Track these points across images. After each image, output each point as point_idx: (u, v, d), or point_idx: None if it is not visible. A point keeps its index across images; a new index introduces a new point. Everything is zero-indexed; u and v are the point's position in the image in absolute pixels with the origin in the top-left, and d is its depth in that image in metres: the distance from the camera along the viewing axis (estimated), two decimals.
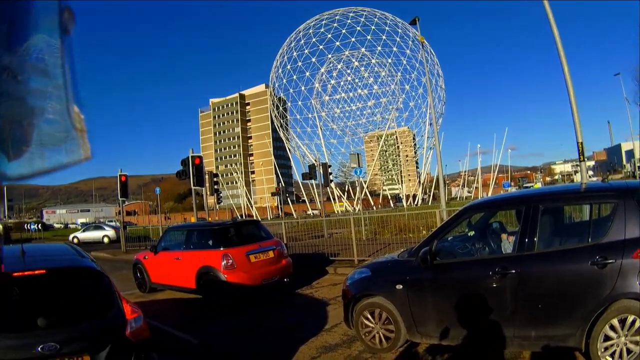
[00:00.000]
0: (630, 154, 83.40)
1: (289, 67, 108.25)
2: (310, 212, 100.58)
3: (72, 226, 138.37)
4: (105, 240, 44.96)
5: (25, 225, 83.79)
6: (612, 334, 5.98)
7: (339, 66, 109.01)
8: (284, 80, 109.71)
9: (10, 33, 0.85)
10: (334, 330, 9.84)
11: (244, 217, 70.56)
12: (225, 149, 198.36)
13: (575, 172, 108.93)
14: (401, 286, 7.68)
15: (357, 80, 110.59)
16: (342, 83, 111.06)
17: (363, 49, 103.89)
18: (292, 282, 14.64)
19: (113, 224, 56.51)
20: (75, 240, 43.99)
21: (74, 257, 6.69)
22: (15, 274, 5.43)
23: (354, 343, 8.80)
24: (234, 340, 9.98)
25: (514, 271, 6.58)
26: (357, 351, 8.41)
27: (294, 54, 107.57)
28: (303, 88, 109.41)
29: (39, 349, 4.89)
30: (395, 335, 7.87)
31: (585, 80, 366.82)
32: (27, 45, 0.89)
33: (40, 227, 74.54)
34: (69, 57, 0.97)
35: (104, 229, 47.76)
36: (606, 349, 6.00)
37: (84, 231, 48.75)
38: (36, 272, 5.55)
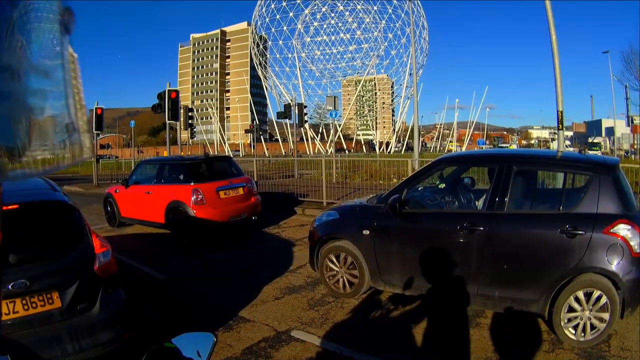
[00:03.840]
0: (610, 131, 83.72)
1: (273, 6, 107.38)
2: (282, 151, 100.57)
3: None
4: None
5: None
6: (576, 306, 6.03)
7: (323, 9, 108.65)
8: (267, 19, 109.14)
9: (10, 33, 0.78)
10: (298, 272, 9.89)
11: (216, 153, 70.40)
12: (202, 84, 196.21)
13: (552, 139, 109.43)
14: (368, 232, 7.67)
15: (340, 25, 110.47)
16: (325, 26, 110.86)
17: None
18: (260, 220, 14.65)
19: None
20: None
21: (47, 190, 6.48)
22: None
23: (318, 286, 8.86)
24: (199, 277, 9.99)
25: (482, 228, 6.58)
26: (320, 294, 8.47)
27: None
28: (285, 28, 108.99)
29: (10, 286, 4.82)
30: (359, 281, 7.90)
31: (573, 52, 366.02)
32: (27, 45, 0.82)
33: None
34: (69, 57, 0.90)
35: None
36: (569, 320, 6.07)
37: None
38: (9, 207, 5.39)
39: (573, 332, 6.03)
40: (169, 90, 24.19)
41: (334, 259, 8.21)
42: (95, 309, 5.37)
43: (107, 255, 5.77)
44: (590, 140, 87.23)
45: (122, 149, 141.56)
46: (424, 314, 7.38)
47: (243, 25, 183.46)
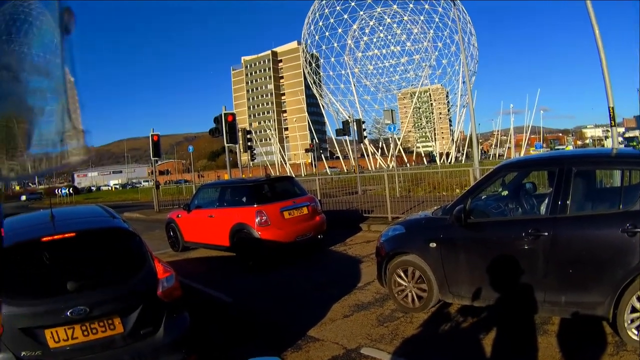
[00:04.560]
0: None
1: (321, 23, 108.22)
2: (344, 168, 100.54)
3: (104, 188, 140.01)
4: None
5: (56, 190, 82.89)
6: (639, 306, 5.87)
7: (371, 23, 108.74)
8: (316, 37, 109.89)
9: (11, 33, 0.82)
10: (366, 288, 9.84)
11: (278, 174, 70.78)
12: (258, 106, 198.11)
13: (606, 137, 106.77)
14: (435, 244, 7.62)
15: (389, 37, 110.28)
16: (374, 40, 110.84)
17: (395, 6, 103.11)
18: (326, 239, 14.62)
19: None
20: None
21: (105, 218, 6.68)
22: (44, 238, 5.44)
23: (387, 302, 8.79)
24: (266, 297, 10.06)
25: (546, 233, 6.46)
26: (389, 310, 8.40)
27: (326, 10, 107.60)
28: (336, 44, 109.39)
29: (68, 313, 4.91)
30: (428, 294, 7.83)
31: (619, 46, 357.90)
32: (27, 45, 0.86)
33: (71, 192, 74.37)
34: (69, 57, 0.94)
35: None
36: (632, 321, 5.89)
37: None
38: (65, 235, 5.55)
39: (636, 332, 5.85)
40: (225, 114, 24.43)
41: (402, 274, 8.16)
42: (159, 333, 5.45)
43: (170, 280, 5.84)
44: (626, 135, 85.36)
45: (181, 174, 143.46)
46: (492, 324, 7.28)
47: (293, 44, 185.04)
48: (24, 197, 77.07)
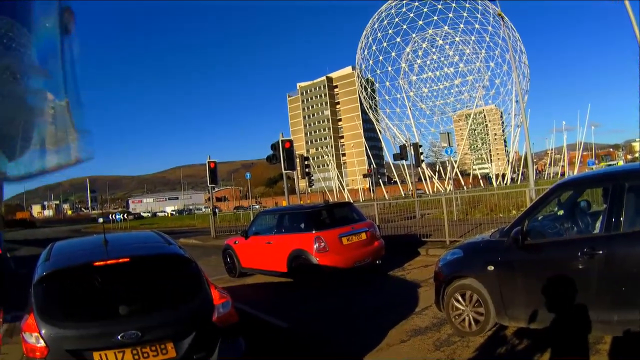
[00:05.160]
0: None
1: (374, 48, 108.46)
2: (402, 193, 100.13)
3: (160, 214, 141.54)
4: None
5: (111, 215, 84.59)
6: None
7: (423, 45, 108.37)
8: (370, 62, 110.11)
9: (11, 33, 0.87)
10: (424, 313, 9.81)
11: (336, 200, 70.70)
12: (315, 132, 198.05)
13: None
14: (492, 267, 7.60)
15: (442, 59, 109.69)
16: (428, 62, 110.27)
17: (446, 27, 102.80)
18: (384, 263, 14.64)
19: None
20: None
21: (160, 244, 6.78)
22: (96, 263, 5.60)
23: (444, 326, 8.76)
24: (323, 322, 10.08)
25: (601, 252, 6.40)
26: (446, 334, 8.37)
27: (378, 34, 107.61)
28: (390, 68, 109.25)
29: (119, 337, 5.00)
30: (485, 318, 7.80)
31: None
32: (28, 45, 0.91)
33: (126, 217, 75.02)
34: (69, 58, 0.98)
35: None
36: None
37: None
38: (120, 260, 5.69)
39: None
40: (282, 141, 24.60)
41: (460, 298, 8.14)
42: (212, 359, 5.46)
43: (226, 306, 5.89)
44: (608, 163, 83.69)
45: (239, 200, 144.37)
46: (546, 345, 7.22)
47: (348, 70, 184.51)
48: (101, 220, 78.06)
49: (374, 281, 13.54)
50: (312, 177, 34.05)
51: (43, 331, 5.11)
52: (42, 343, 5.09)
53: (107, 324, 5.14)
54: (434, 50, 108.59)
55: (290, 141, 25.32)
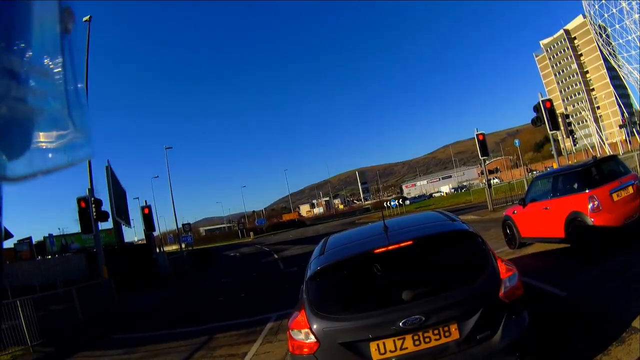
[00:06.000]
0: None
1: None
2: None
3: (436, 195, 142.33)
4: None
5: (385, 203, 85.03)
6: None
7: None
8: (596, 6, 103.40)
9: (10, 33, 0.93)
10: None
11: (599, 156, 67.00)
12: (567, 88, 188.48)
13: None
14: None
15: None
16: None
17: None
18: None
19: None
20: None
21: (445, 222, 6.57)
22: (377, 250, 5.55)
23: None
24: (599, 289, 9.44)
25: None
26: None
27: None
28: (614, 10, 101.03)
29: (401, 323, 4.90)
30: None
31: None
32: (27, 45, 0.97)
33: (401, 202, 75.40)
34: (69, 56, 1.04)
35: None
36: None
37: None
38: (402, 244, 5.57)
39: None
40: (542, 101, 23.99)
41: None
42: (496, 337, 5.14)
43: (513, 279, 5.51)
44: None
45: (510, 170, 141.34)
46: None
47: (579, 19, 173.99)
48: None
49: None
50: (575, 136, 32.52)
51: (315, 326, 5.26)
52: (312, 338, 5.26)
53: (388, 312, 5.06)
54: None
55: (550, 100, 24.65)
